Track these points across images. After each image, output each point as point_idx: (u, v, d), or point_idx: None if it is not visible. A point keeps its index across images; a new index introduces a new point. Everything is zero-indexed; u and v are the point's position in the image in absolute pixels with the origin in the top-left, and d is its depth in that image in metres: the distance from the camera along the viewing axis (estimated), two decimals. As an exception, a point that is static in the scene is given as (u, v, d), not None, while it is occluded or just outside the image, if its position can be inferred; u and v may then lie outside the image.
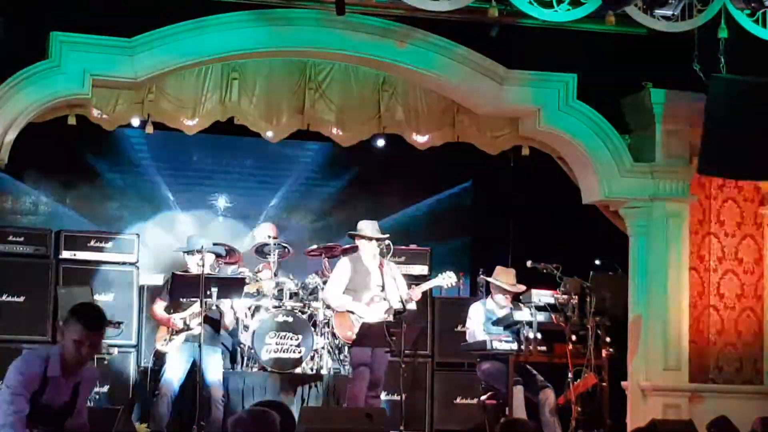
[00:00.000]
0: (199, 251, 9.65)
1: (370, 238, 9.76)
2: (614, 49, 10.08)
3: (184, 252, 10.00)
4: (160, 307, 9.81)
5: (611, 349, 9.76)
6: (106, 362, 10.04)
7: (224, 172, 12.73)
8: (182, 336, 9.63)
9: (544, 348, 9.61)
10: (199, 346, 9.21)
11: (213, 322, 9.61)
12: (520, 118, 10.70)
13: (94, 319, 5.49)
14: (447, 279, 10.15)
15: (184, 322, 9.61)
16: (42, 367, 5.41)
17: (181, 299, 9.67)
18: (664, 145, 10.57)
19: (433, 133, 10.76)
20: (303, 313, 10.65)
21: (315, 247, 11.39)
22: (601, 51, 10.12)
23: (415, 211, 13.00)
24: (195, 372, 9.58)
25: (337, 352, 10.71)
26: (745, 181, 10.67)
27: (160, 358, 9.82)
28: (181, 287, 9.53)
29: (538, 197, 11.96)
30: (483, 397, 10.00)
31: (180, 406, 9.78)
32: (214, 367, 9.50)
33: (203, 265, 9.43)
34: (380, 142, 11.17)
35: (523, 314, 9.66)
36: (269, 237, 11.19)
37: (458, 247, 12.92)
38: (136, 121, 10.37)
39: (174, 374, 9.55)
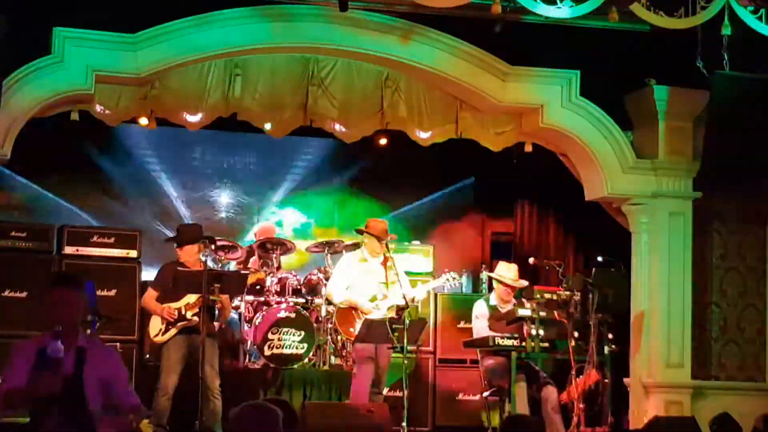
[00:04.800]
0: (189, 242, 9.65)
1: (378, 237, 9.75)
2: (617, 45, 10.08)
3: (173, 241, 9.99)
4: (151, 296, 9.74)
5: (613, 346, 9.77)
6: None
7: (227, 168, 12.72)
8: (178, 326, 9.60)
9: (546, 344, 9.62)
10: (201, 341, 9.20)
11: (208, 311, 9.56)
12: (523, 115, 10.70)
13: (58, 278, 5.77)
14: (450, 280, 10.16)
15: (179, 313, 9.58)
16: (36, 342, 5.51)
17: (179, 293, 9.64)
18: (667, 141, 10.57)
19: (435, 129, 10.75)
20: (305, 309, 10.65)
21: (317, 242, 11.39)
22: (604, 48, 10.12)
23: (418, 207, 13.01)
24: (192, 365, 9.59)
25: (339, 348, 10.71)
26: (748, 177, 10.66)
27: (156, 351, 9.78)
28: (182, 282, 9.50)
29: (540, 194, 11.97)
30: (485, 394, 10.01)
31: (180, 400, 9.78)
32: (210, 357, 9.49)
33: (206, 260, 9.42)
34: (383, 139, 11.16)
35: (525, 311, 9.67)
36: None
37: (461, 243, 12.92)
38: (141, 119, 10.37)
39: (172, 368, 9.52)
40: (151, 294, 9.72)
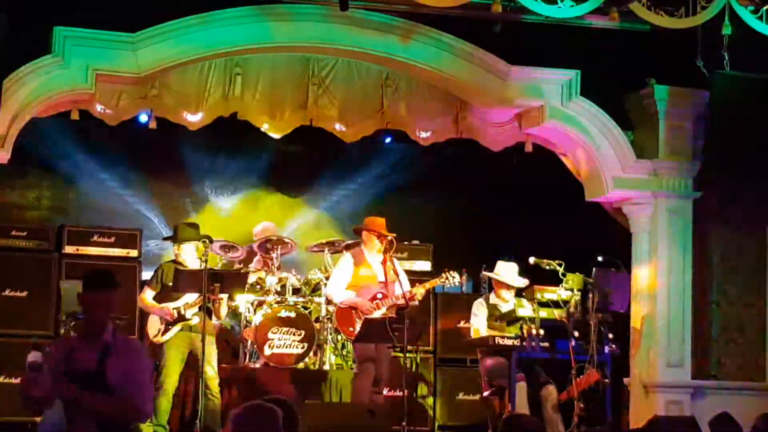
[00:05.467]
0: (186, 239, 9.64)
1: (378, 235, 9.75)
2: (617, 45, 10.08)
3: (170, 240, 9.97)
4: (149, 295, 9.73)
5: (614, 346, 9.77)
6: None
7: (228, 168, 12.71)
8: (177, 326, 9.59)
9: (546, 344, 9.62)
10: (202, 340, 9.21)
11: (207, 311, 9.57)
12: (523, 115, 10.69)
13: (91, 280, 5.68)
14: (450, 279, 10.15)
15: (179, 312, 9.57)
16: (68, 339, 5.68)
17: (179, 292, 9.62)
18: (667, 141, 10.57)
19: (436, 129, 10.76)
20: (305, 308, 10.65)
21: (317, 242, 11.39)
22: (605, 47, 10.12)
23: (418, 207, 12.98)
24: (191, 364, 9.56)
25: (339, 347, 10.71)
26: (748, 177, 10.66)
27: (155, 351, 9.73)
28: (183, 281, 9.50)
29: (540, 193, 11.97)
30: (485, 393, 10.00)
31: (179, 400, 9.77)
32: (210, 357, 9.50)
33: (206, 260, 9.42)
34: (386, 139, 11.16)
35: (525, 310, 9.67)
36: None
37: (461, 242, 12.90)
38: (141, 118, 10.35)
39: (172, 368, 9.51)
40: (147, 293, 9.72)
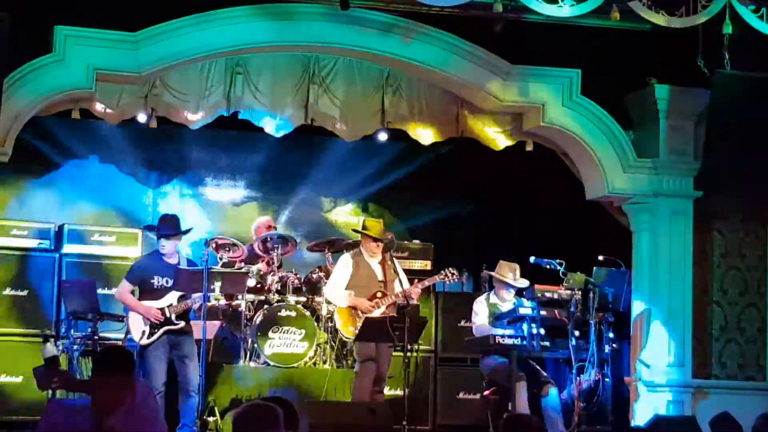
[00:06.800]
0: (166, 236, 9.60)
1: (373, 239, 9.74)
2: (618, 44, 10.08)
3: (152, 231, 9.93)
4: (127, 289, 9.56)
5: (614, 345, 9.77)
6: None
7: (228, 167, 12.71)
8: (163, 329, 9.51)
9: (547, 343, 9.62)
10: (203, 340, 9.19)
11: (186, 309, 9.55)
12: (524, 114, 10.70)
13: (96, 358, 5.56)
14: (449, 276, 10.14)
15: (163, 314, 9.47)
16: None
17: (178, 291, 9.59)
18: (668, 140, 10.58)
19: (437, 128, 10.76)
20: (306, 307, 10.65)
21: (318, 241, 11.39)
22: (606, 47, 10.13)
23: (418, 206, 12.98)
24: (170, 362, 9.54)
25: (340, 346, 10.71)
26: (748, 177, 10.66)
27: (139, 353, 9.52)
28: (182, 281, 9.47)
29: (541, 193, 11.97)
30: (486, 392, 10.00)
31: (168, 402, 9.73)
32: (191, 354, 9.47)
33: (207, 260, 9.41)
34: (384, 137, 11.16)
35: (526, 309, 9.67)
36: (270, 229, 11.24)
37: (461, 242, 12.91)
38: (142, 117, 10.32)
39: (160, 368, 9.44)
40: (127, 287, 9.59)
